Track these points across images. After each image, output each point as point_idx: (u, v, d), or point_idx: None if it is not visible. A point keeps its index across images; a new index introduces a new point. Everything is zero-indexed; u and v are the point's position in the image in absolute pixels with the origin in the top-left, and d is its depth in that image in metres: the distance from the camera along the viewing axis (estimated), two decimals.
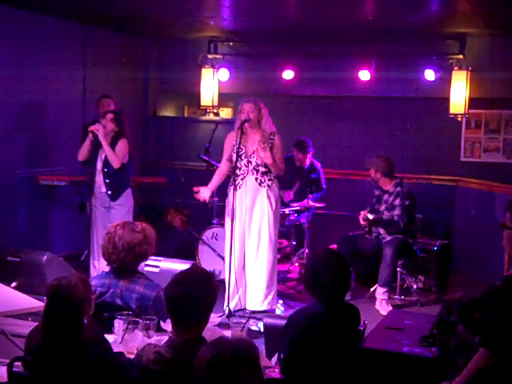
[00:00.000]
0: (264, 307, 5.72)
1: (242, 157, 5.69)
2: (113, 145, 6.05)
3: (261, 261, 5.72)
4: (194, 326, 2.74)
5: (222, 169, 5.93)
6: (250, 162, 5.71)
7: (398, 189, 6.35)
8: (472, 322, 2.79)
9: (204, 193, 5.85)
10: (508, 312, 2.55)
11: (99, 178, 6.09)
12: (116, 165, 6.00)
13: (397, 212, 6.29)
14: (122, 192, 6.13)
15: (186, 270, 2.92)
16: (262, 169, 5.71)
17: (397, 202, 6.31)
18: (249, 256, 5.75)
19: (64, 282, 2.92)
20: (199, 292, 2.74)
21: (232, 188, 5.68)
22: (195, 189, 5.90)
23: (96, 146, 6.00)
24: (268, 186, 5.73)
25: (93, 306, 3.03)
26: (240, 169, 5.71)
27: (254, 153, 5.69)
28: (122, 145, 6.09)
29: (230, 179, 5.78)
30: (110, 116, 6.10)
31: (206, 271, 2.95)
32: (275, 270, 5.83)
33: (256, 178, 5.72)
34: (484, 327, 2.65)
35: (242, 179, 5.72)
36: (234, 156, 5.70)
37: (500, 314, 2.59)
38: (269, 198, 5.72)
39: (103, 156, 6.06)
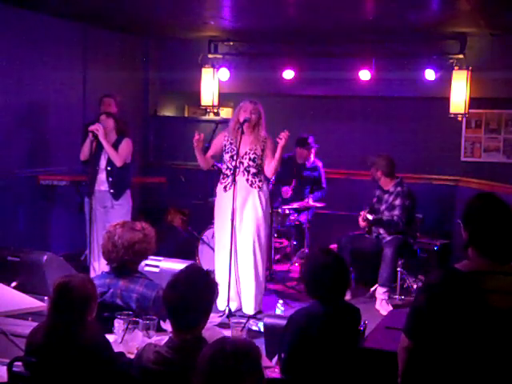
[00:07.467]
0: (255, 310, 5.74)
1: (234, 157, 5.69)
2: (117, 144, 6.07)
3: (251, 262, 5.71)
4: (193, 327, 2.74)
5: (207, 158, 5.87)
6: (242, 163, 5.70)
7: (399, 189, 6.35)
8: None
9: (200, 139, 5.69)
10: (417, 298, 2.79)
11: (101, 176, 6.10)
12: (118, 163, 6.04)
13: (397, 212, 6.28)
14: (124, 191, 6.15)
15: (181, 271, 2.86)
16: (253, 170, 5.71)
17: (397, 202, 6.31)
18: (240, 257, 5.72)
19: (71, 280, 2.94)
20: (195, 294, 2.73)
21: (222, 188, 5.74)
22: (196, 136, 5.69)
23: (100, 144, 6.02)
24: (259, 187, 5.72)
25: (96, 306, 3.04)
26: (231, 169, 5.69)
27: (246, 154, 5.70)
28: (126, 144, 6.13)
29: (220, 179, 5.83)
30: (102, 117, 6.11)
31: (203, 270, 2.92)
32: (263, 270, 5.84)
33: (247, 179, 5.71)
34: None
35: (233, 180, 5.70)
36: (226, 156, 5.74)
37: (414, 300, 2.82)
38: (260, 199, 5.72)
39: (107, 154, 6.08)
